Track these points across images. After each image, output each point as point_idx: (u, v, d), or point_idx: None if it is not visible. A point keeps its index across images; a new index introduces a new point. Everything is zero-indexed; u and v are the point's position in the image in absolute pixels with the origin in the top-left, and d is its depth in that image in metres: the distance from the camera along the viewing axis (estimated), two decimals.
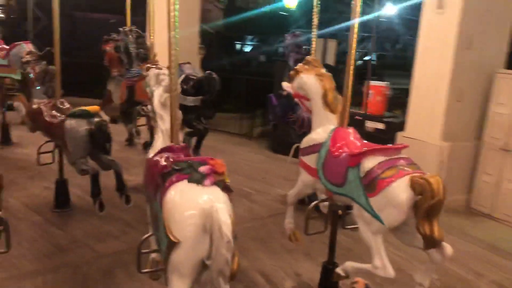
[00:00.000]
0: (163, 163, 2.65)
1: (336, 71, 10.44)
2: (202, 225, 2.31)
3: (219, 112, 6.57)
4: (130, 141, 8.02)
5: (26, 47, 7.06)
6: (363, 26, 6.15)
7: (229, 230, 2.25)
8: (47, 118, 4.90)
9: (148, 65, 6.16)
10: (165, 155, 2.76)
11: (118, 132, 6.53)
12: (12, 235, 4.48)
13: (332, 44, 10.35)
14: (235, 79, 11.59)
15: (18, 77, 7.26)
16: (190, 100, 5.29)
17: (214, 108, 5.54)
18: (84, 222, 5.01)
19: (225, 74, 10.71)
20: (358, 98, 7.88)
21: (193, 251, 2.34)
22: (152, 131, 6.18)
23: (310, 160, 3.65)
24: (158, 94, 3.18)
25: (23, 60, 7.34)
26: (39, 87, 6.80)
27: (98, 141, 4.55)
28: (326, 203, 3.73)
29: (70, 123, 4.57)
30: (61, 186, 5.34)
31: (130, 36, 6.15)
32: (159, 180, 2.57)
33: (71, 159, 4.65)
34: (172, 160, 2.66)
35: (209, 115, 5.38)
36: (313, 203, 3.69)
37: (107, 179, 5.32)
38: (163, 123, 3.07)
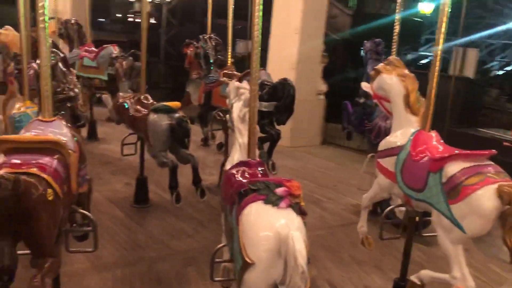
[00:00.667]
0: (240, 180, 2.71)
1: (475, 86, 9.68)
2: (277, 249, 2.31)
3: None
4: (205, 142, 8.28)
5: (113, 50, 7.52)
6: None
7: (304, 260, 2.23)
8: (131, 112, 5.17)
9: (225, 71, 6.37)
10: (242, 169, 2.86)
11: (194, 132, 6.74)
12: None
13: (472, 54, 9.20)
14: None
15: (105, 78, 7.77)
16: (264, 106, 5.36)
17: (288, 113, 5.56)
18: (160, 219, 5.25)
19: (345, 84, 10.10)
20: (505, 117, 6.76)
21: (267, 273, 2.36)
22: (226, 134, 6.35)
23: (388, 163, 3.52)
24: (238, 108, 3.22)
25: (113, 56, 7.90)
26: (125, 82, 7.30)
27: (178, 135, 4.75)
28: (403, 208, 3.62)
29: (153, 117, 4.80)
30: (141, 183, 5.63)
31: (209, 43, 6.38)
32: (235, 197, 2.63)
33: (152, 152, 4.89)
34: (248, 176, 2.74)
35: (283, 121, 5.40)
36: (390, 207, 3.60)
37: (183, 178, 5.55)
38: (241, 137, 3.12)
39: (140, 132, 5.15)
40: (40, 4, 2.75)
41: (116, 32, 16.46)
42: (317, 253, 4.68)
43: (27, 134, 2.61)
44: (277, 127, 5.38)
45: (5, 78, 9.34)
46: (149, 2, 14.11)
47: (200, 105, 6.78)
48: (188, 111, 7.53)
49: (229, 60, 6.70)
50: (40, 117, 2.82)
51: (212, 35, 6.72)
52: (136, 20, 16.03)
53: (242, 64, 8.79)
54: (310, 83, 9.26)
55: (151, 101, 5.29)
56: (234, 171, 2.88)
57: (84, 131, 7.79)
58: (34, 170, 2.27)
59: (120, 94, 5.84)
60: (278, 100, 5.33)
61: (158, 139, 4.78)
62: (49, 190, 2.26)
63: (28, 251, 2.40)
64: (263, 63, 8.36)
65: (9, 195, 2.06)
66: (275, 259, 2.32)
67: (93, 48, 7.96)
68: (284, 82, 5.39)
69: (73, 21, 8.23)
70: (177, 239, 4.80)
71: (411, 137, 3.41)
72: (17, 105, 4.76)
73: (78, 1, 10.45)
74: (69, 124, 3.01)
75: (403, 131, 3.53)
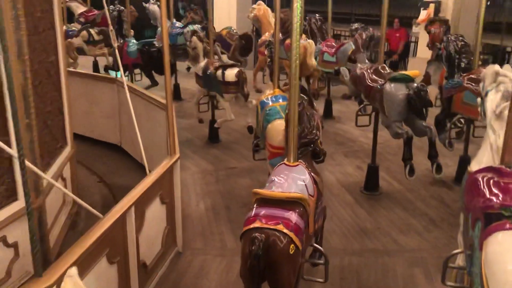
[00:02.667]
0: (489, 197, 2.38)
1: None
2: None
3: None
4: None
5: (353, 46, 7.59)
6: None
7: None
8: (368, 81, 5.17)
9: (471, 76, 5.54)
10: (491, 176, 2.47)
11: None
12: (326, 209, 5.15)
13: None
14: None
15: None
16: None
17: None
18: (389, 210, 5.19)
19: None
20: None
21: None
22: (467, 139, 5.76)
23: None
24: (494, 101, 2.82)
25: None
26: (363, 53, 7.35)
27: (416, 105, 4.55)
28: None
29: (390, 86, 4.71)
30: (373, 171, 5.63)
31: (455, 44, 5.68)
32: (480, 215, 2.37)
33: (387, 122, 4.82)
34: (498, 191, 2.37)
35: None
36: None
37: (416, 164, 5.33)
38: (493, 134, 2.75)
39: (375, 103, 5.10)
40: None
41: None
42: None
43: (276, 192, 2.86)
44: None
45: (256, 50, 10.51)
46: None
47: (440, 112, 6.22)
48: None
49: (477, 63, 5.76)
50: (286, 161, 3.20)
51: (458, 35, 5.99)
52: None
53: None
54: None
55: (388, 71, 5.18)
56: (481, 177, 2.52)
57: (320, 109, 8.20)
58: (280, 226, 2.60)
59: (358, 65, 5.87)
60: None
61: (394, 109, 4.65)
62: (291, 246, 2.59)
63: None
64: None
65: (260, 250, 2.46)
66: None
67: (333, 43, 8.20)
68: None
69: (317, 17, 8.58)
70: (405, 234, 4.69)
71: None
72: (267, 91, 5.32)
73: None
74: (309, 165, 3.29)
75: None
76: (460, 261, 3.09)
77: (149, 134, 5.76)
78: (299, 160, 3.19)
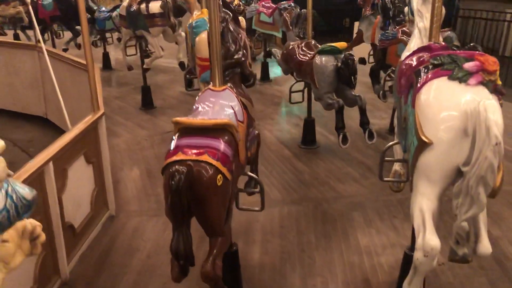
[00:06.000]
0: (419, 59, 2.36)
1: None
2: (462, 129, 2.03)
3: None
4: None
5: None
6: None
7: (500, 130, 1.91)
8: (298, 57, 5.15)
9: (404, 28, 5.60)
10: (422, 54, 2.44)
11: (365, 74, 6.41)
12: (266, 164, 5.07)
13: None
14: None
15: (279, 35, 7.83)
16: None
17: None
18: (327, 161, 5.20)
19: None
20: None
21: (447, 155, 2.10)
22: None
23: None
24: None
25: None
26: (292, 31, 7.28)
27: (345, 74, 4.58)
28: None
29: (319, 59, 4.71)
30: (309, 125, 5.62)
31: None
32: (412, 78, 2.32)
33: (318, 94, 4.82)
34: (429, 54, 2.36)
35: None
36: None
37: (351, 121, 5.37)
38: (421, 20, 2.85)
39: (306, 77, 5.09)
40: None
41: None
42: (501, 210, 4.13)
43: (198, 120, 2.58)
44: None
45: None
46: None
47: (374, 63, 6.30)
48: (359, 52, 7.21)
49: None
50: (211, 86, 2.87)
51: None
52: None
53: None
54: None
55: (317, 45, 5.16)
56: (411, 59, 2.50)
57: (258, 73, 8.08)
58: (205, 157, 2.33)
59: (290, 42, 5.82)
60: None
61: (324, 81, 4.68)
62: (219, 176, 2.32)
63: None
64: None
65: (183, 184, 2.19)
66: (459, 139, 2.05)
67: (271, 4, 8.00)
68: None
69: None
70: (343, 182, 4.71)
71: None
72: (195, 13, 5.15)
73: None
74: (238, 88, 3.01)
75: None
76: (397, 155, 3.16)
77: (76, 101, 5.40)
78: (227, 84, 2.92)
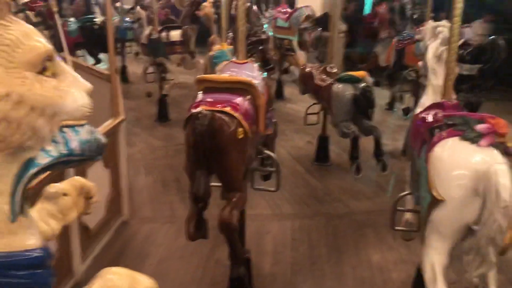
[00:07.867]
0: (433, 117, 2.47)
1: None
2: (473, 188, 2.10)
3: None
4: (391, 105, 7.88)
5: (305, 12, 7.59)
6: None
7: (508, 194, 1.98)
8: (316, 81, 5.21)
9: (421, 28, 5.81)
10: (435, 111, 2.56)
11: (380, 96, 6.46)
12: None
13: None
14: None
15: (295, 39, 7.93)
16: (465, 69, 4.79)
17: (493, 78, 4.89)
18: (340, 178, 5.22)
19: None
20: None
21: (458, 212, 2.16)
22: (416, 97, 5.90)
23: None
24: (434, 47, 2.99)
25: (301, 27, 7.99)
26: (312, 52, 7.39)
27: (362, 106, 4.61)
28: None
29: (337, 87, 4.75)
30: (323, 142, 5.66)
31: None
32: (426, 135, 2.41)
33: (334, 121, 4.86)
34: (443, 113, 2.46)
35: (486, 86, 4.77)
36: None
37: (366, 144, 5.40)
38: (435, 78, 2.89)
39: (323, 102, 5.15)
40: None
41: None
42: None
43: (223, 75, 2.78)
44: None
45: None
46: None
47: (390, 65, 6.41)
48: (374, 74, 7.29)
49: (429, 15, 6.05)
50: (234, 59, 2.96)
51: None
52: None
53: None
54: None
55: (336, 70, 5.23)
56: (424, 114, 2.61)
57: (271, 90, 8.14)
58: (228, 109, 2.40)
59: (308, 64, 5.92)
60: (483, 63, 4.72)
61: (341, 109, 4.71)
62: (240, 129, 2.38)
63: (219, 184, 2.62)
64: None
65: (205, 130, 2.23)
66: (470, 197, 2.11)
67: (287, 9, 8.15)
68: (495, 42, 4.72)
69: None
70: (356, 199, 4.73)
71: None
72: (215, 46, 5.25)
73: None
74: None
75: None
76: (408, 205, 3.16)
77: (94, 111, 5.50)
78: (250, 59, 3.02)
